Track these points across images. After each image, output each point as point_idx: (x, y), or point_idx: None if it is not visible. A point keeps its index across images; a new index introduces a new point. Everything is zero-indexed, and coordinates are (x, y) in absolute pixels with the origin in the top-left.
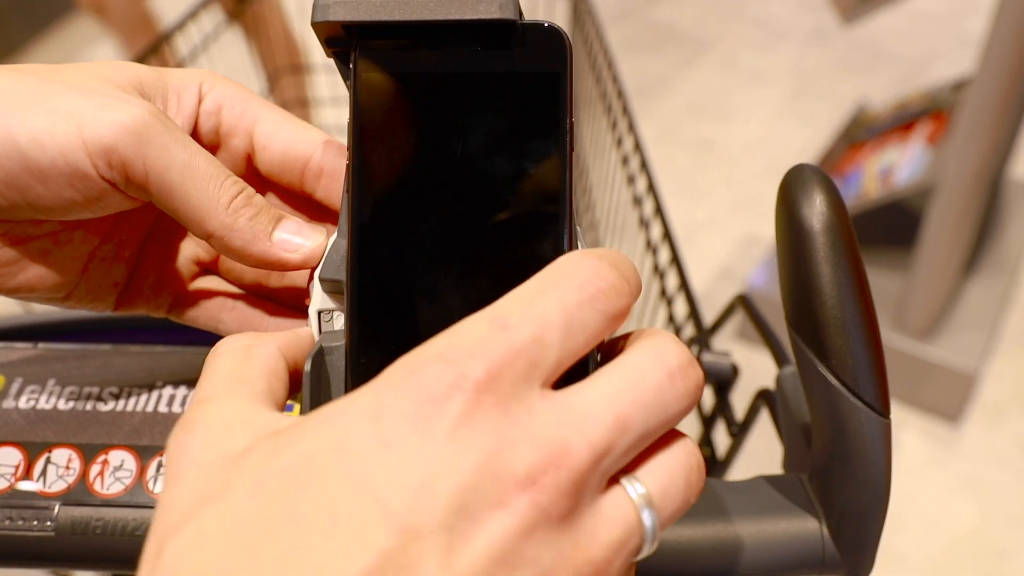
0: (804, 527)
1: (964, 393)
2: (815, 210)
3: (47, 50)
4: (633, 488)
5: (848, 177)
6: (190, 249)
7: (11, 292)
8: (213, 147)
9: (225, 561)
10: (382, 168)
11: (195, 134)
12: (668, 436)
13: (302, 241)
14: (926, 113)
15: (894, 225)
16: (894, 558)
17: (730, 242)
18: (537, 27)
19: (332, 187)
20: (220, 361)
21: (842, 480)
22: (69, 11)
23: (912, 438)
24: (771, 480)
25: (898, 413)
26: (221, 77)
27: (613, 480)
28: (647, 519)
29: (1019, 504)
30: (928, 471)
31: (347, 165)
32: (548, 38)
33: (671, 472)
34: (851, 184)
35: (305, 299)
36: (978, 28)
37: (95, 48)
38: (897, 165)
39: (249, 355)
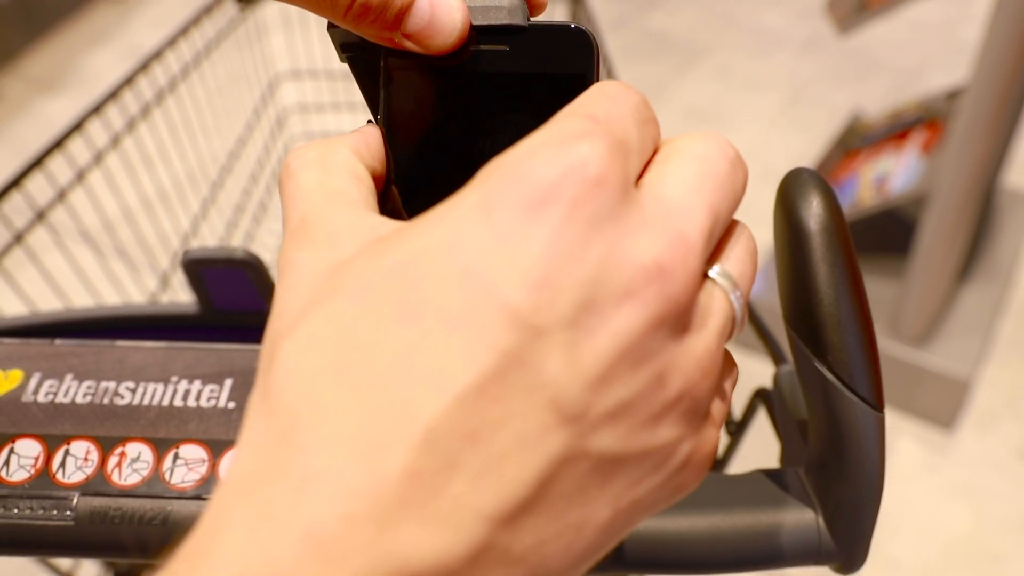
0: (801, 518)
1: (958, 399)
2: (812, 211)
3: (46, 55)
4: (720, 275)
5: (843, 185)
6: None
7: None
8: None
9: (339, 362)
10: (411, 166)
11: None
12: (732, 223)
13: None
14: (920, 122)
15: (889, 233)
16: (889, 563)
17: None
18: (563, 29)
19: None
20: (301, 176)
21: (837, 473)
22: (68, 16)
23: (907, 444)
24: (769, 474)
25: (893, 419)
26: None
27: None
28: (736, 303)
29: (1013, 509)
30: (923, 477)
31: None
32: (573, 39)
33: (742, 256)
34: (846, 192)
35: None
36: (972, 38)
37: (94, 53)
38: (892, 173)
39: (327, 165)
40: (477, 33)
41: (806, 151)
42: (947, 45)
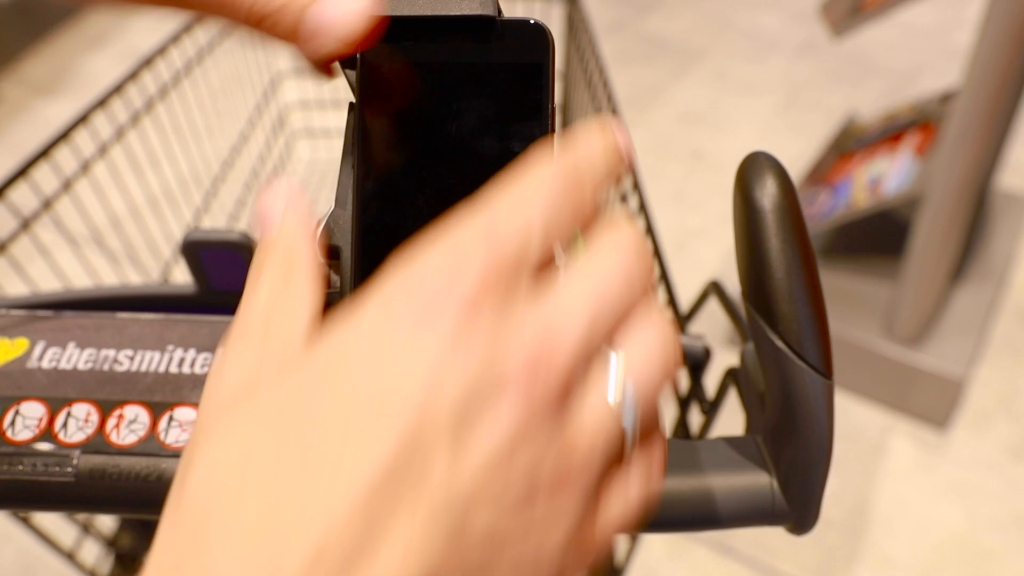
0: (756, 481)
1: (952, 399)
2: (766, 192)
3: (44, 58)
4: (611, 370)
5: (838, 187)
6: None
7: None
8: None
9: (243, 482)
10: (383, 147)
11: None
12: (640, 320)
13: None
14: (914, 124)
15: (883, 234)
16: (883, 561)
17: (721, 250)
18: (523, 24)
19: None
20: (260, 284)
21: (789, 437)
22: (67, 19)
23: (901, 443)
24: (729, 440)
25: (887, 419)
26: None
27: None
28: (628, 416)
29: (1005, 508)
30: (917, 476)
31: (352, 142)
32: (533, 33)
33: (643, 348)
34: (841, 194)
35: None
36: (965, 41)
37: (93, 56)
38: (886, 175)
39: (288, 280)
40: (451, 22)
41: (801, 153)
42: (941, 48)
